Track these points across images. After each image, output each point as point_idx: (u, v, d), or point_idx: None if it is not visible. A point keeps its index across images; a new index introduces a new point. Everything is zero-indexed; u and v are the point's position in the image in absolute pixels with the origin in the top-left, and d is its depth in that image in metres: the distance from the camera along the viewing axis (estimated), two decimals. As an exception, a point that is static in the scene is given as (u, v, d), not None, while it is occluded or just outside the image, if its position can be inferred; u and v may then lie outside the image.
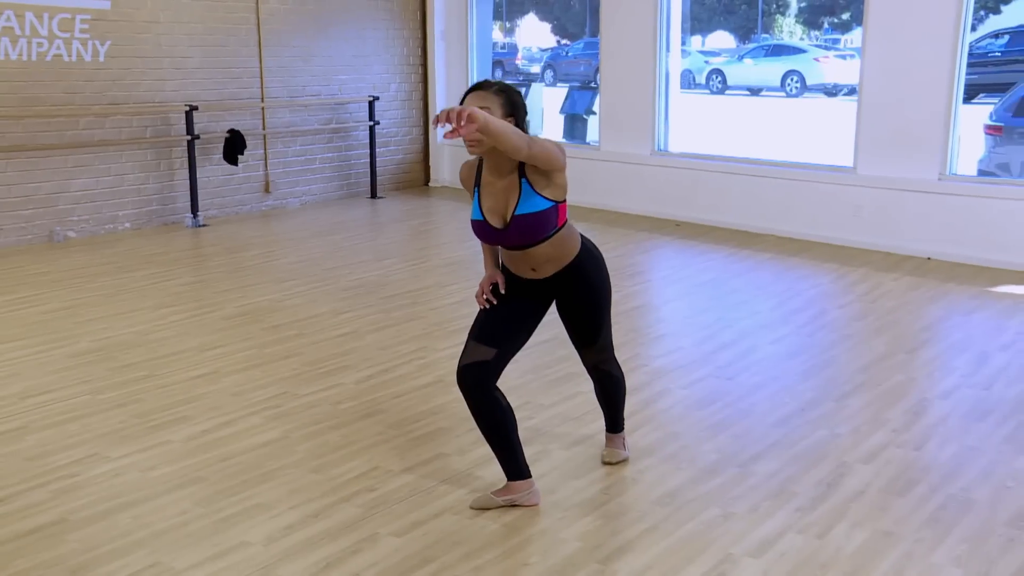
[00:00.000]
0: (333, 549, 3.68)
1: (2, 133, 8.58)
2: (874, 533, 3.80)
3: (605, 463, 4.35)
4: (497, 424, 3.89)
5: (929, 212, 8.25)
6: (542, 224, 3.74)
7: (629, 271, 7.99)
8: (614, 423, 4.45)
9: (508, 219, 3.74)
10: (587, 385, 5.33)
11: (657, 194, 9.97)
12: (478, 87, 3.75)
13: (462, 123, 3.25)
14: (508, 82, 3.91)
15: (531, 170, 3.69)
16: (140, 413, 5.02)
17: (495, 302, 3.98)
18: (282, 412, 5.02)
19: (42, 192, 8.88)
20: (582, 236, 4.00)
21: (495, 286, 4.00)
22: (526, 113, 3.80)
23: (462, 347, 3.93)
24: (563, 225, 3.83)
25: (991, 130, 10.17)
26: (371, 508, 3.97)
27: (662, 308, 7.17)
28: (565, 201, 3.82)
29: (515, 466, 3.97)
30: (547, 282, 3.95)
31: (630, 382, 5.37)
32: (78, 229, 9.15)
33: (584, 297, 4.01)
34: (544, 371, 5.57)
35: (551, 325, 6.31)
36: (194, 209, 9.75)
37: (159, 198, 9.72)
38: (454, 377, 5.42)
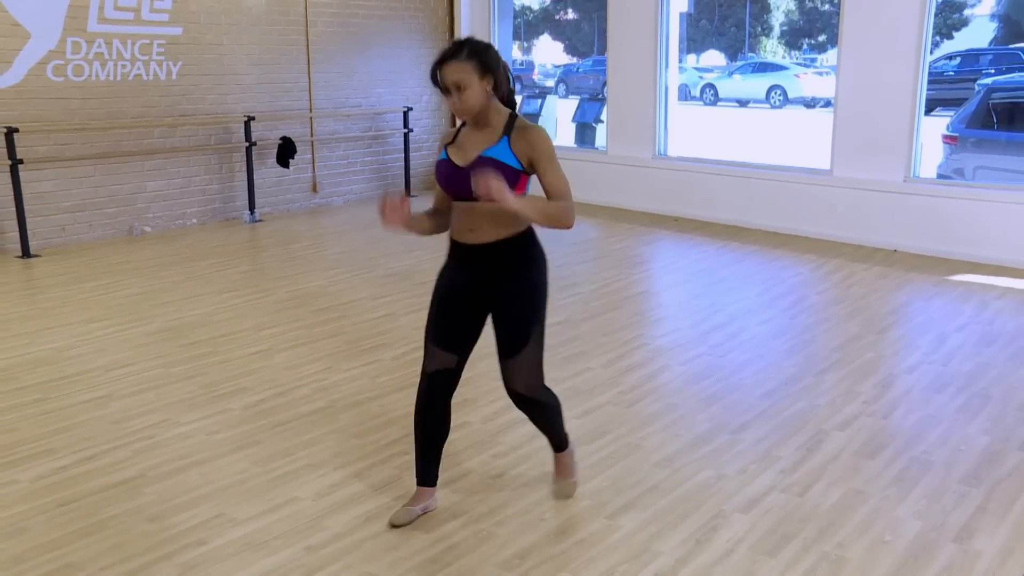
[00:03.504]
0: (373, 504, 3.68)
1: (91, 142, 8.60)
2: (847, 491, 3.79)
3: (561, 497, 3.67)
4: (439, 433, 3.54)
5: (895, 210, 8.20)
6: (501, 176, 3.11)
7: (633, 261, 7.96)
8: (556, 442, 3.70)
9: (472, 159, 3.22)
10: (595, 360, 5.34)
11: (657, 193, 9.92)
12: (448, 57, 3.17)
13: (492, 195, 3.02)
14: (472, 37, 3.29)
15: (516, 136, 3.23)
16: (205, 384, 5.03)
17: (386, 222, 3.26)
18: (328, 384, 5.02)
19: (123, 192, 8.90)
20: (533, 229, 3.37)
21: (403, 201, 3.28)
22: (506, 69, 3.27)
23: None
24: (522, 192, 3.26)
25: (948, 139, 10.19)
26: (405, 469, 3.94)
27: (662, 294, 7.14)
28: (527, 177, 3.28)
29: (433, 473, 3.59)
30: (484, 256, 3.30)
31: (636, 358, 5.39)
32: (153, 224, 9.16)
33: (517, 289, 3.32)
34: (556, 350, 5.53)
35: (562, 309, 6.34)
36: (251, 206, 9.76)
37: (221, 197, 9.73)
38: (475, 355, 5.42)
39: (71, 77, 8.39)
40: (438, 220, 3.50)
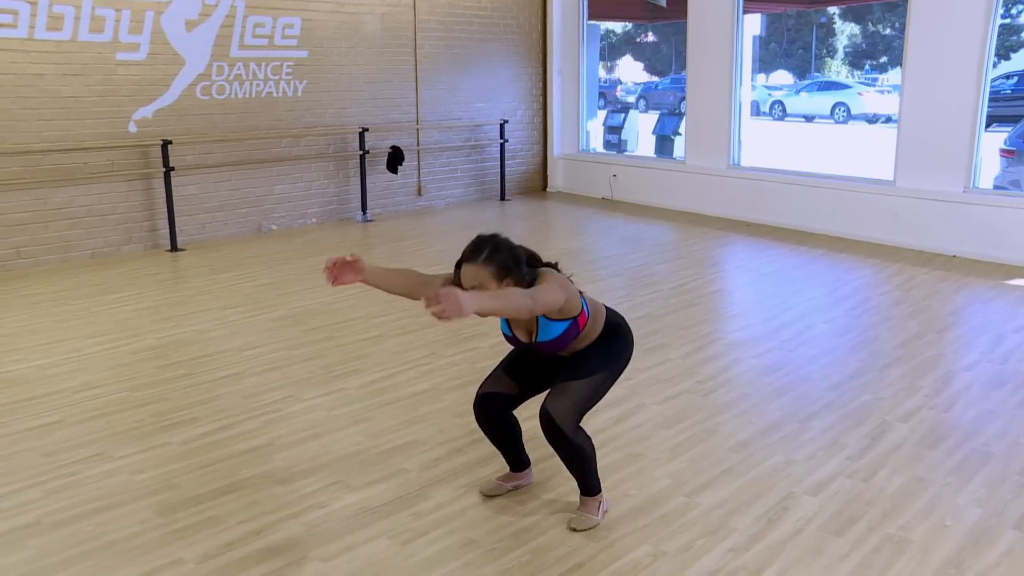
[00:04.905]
0: (472, 477, 3.69)
1: (228, 152, 8.82)
2: (910, 478, 3.66)
3: (570, 528, 3.26)
4: (511, 437, 3.45)
5: (955, 218, 7.91)
6: (565, 340, 3.08)
7: (708, 262, 7.83)
8: (583, 487, 3.31)
9: (533, 340, 3.12)
10: (675, 352, 5.27)
11: (731, 200, 9.76)
12: (466, 259, 2.93)
13: (448, 313, 2.51)
14: (494, 236, 2.98)
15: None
16: (324, 365, 5.10)
17: (333, 282, 3.05)
18: (432, 368, 5.05)
19: (254, 195, 9.10)
20: (608, 312, 3.22)
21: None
22: (520, 262, 2.97)
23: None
24: (585, 326, 3.11)
25: (1005, 153, 9.85)
26: (503, 445, 3.96)
27: (735, 292, 7.00)
28: (583, 310, 3.09)
29: (521, 460, 3.56)
30: (564, 358, 3.24)
31: (712, 351, 5.31)
32: (278, 223, 9.35)
33: (588, 351, 3.17)
34: (641, 342, 5.44)
35: (643, 305, 6.27)
36: (364, 208, 9.88)
37: (337, 199, 9.88)
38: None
39: (215, 96, 8.62)
40: (410, 288, 3.20)
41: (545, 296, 2.85)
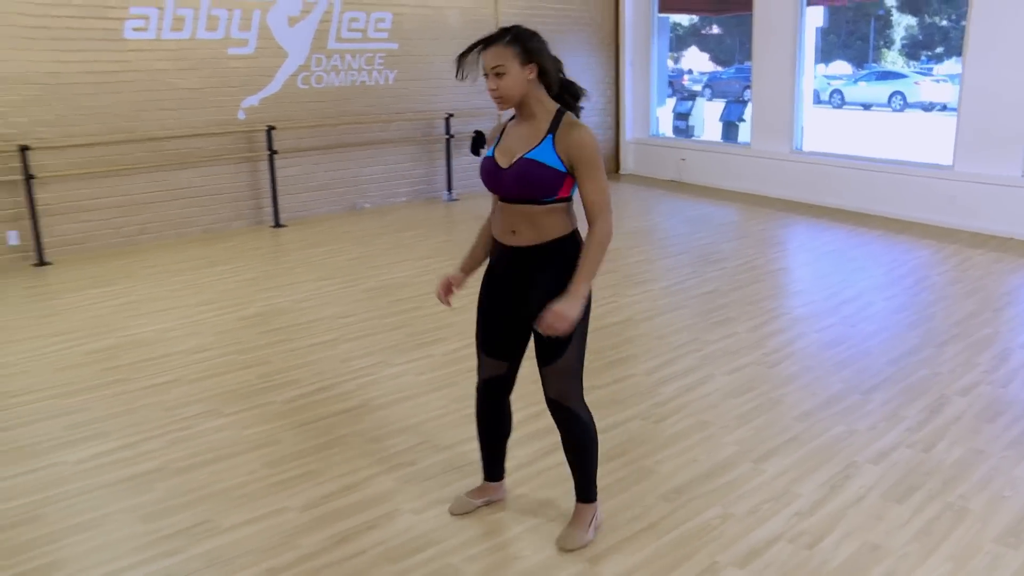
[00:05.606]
0: (547, 442, 3.65)
1: (325, 136, 8.90)
2: (968, 450, 3.52)
3: (560, 548, 2.87)
4: (500, 433, 3.08)
5: (1012, 201, 7.55)
6: (543, 180, 2.55)
7: (771, 241, 7.63)
8: (583, 488, 2.90)
9: (514, 160, 2.61)
10: (741, 326, 5.14)
11: (794, 183, 9.49)
12: (490, 42, 2.60)
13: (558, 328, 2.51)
14: (517, 25, 2.66)
15: (561, 135, 2.56)
16: (411, 333, 5.12)
17: (451, 304, 3.05)
18: (512, 337, 5.02)
19: (347, 175, 9.17)
20: (577, 232, 2.69)
21: (459, 292, 3.05)
22: (543, 49, 2.63)
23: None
24: (562, 200, 2.62)
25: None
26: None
27: (797, 271, 6.80)
28: (573, 179, 2.60)
29: (497, 469, 3.16)
30: (525, 259, 2.68)
31: (776, 325, 5.17)
32: (371, 201, 9.42)
33: (557, 295, 2.59)
34: (709, 315, 5.37)
35: (711, 280, 6.14)
36: (449, 188, 9.88)
37: (425, 180, 9.90)
38: (640, 316, 5.32)
39: (313, 85, 8.70)
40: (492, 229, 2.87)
41: (605, 201, 2.61)
